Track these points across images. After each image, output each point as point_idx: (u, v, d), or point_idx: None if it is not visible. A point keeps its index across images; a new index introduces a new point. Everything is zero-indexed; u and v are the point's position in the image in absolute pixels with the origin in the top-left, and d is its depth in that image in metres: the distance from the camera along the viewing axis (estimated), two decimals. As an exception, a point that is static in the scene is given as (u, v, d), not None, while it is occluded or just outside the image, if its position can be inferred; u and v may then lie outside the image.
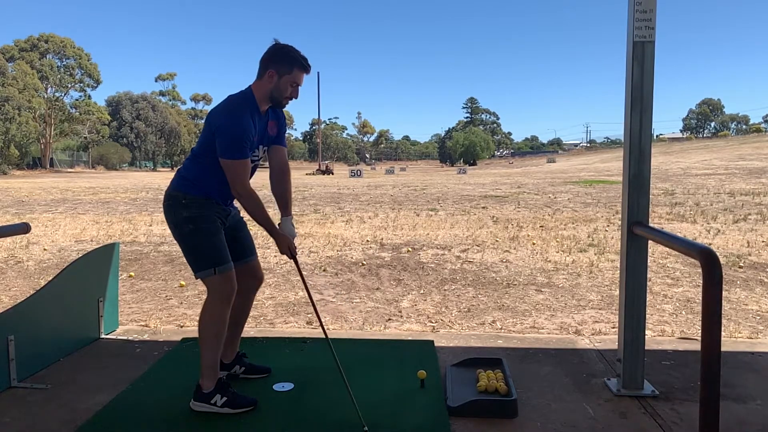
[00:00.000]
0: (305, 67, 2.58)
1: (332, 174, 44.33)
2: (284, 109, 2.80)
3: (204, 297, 2.60)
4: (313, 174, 45.94)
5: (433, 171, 58.59)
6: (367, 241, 8.18)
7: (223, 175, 2.50)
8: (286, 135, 3.01)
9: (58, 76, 53.20)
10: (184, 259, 2.60)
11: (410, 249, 7.41)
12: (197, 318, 2.64)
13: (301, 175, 42.96)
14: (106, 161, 59.62)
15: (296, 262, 2.69)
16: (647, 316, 2.86)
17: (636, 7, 2.59)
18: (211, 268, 2.50)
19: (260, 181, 3.05)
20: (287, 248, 2.62)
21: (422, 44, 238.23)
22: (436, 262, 6.53)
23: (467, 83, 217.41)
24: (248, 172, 2.56)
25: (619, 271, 2.89)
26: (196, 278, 2.55)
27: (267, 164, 2.80)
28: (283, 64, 2.53)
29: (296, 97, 2.63)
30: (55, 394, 2.77)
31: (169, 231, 2.64)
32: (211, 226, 2.55)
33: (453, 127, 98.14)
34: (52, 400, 2.69)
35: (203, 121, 3.15)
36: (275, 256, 6.54)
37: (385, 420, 2.46)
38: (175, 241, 2.65)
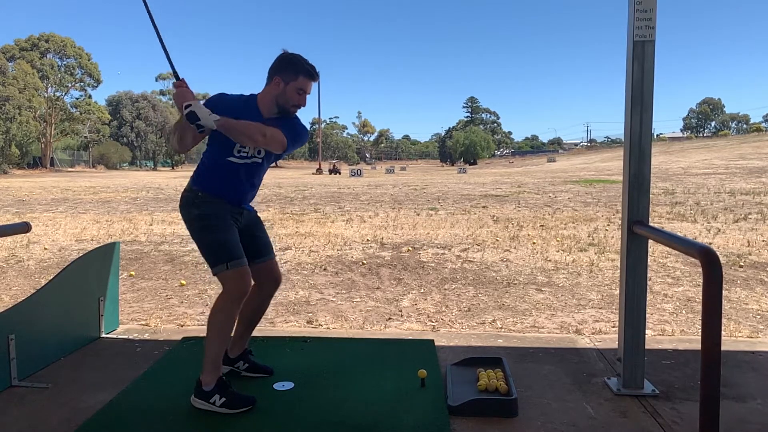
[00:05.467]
0: (312, 75, 2.64)
1: (339, 173, 44.24)
2: None
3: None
4: (316, 173, 45.87)
5: (433, 170, 58.54)
6: (368, 240, 8.18)
7: (226, 174, 2.60)
8: None
9: (59, 75, 53.19)
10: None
11: (410, 248, 7.41)
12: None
13: (302, 174, 42.97)
14: (106, 161, 59.59)
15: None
16: (647, 315, 2.86)
17: (636, 7, 2.59)
18: (224, 263, 2.52)
19: (265, 181, 3.04)
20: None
21: (422, 44, 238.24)
22: (436, 262, 6.53)
23: (467, 83, 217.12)
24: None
25: (619, 271, 2.89)
26: (213, 275, 2.58)
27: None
28: (289, 72, 2.60)
29: (303, 105, 2.68)
30: (55, 393, 2.77)
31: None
32: (222, 222, 2.58)
33: (453, 127, 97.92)
34: (53, 399, 2.70)
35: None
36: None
37: (385, 419, 2.46)
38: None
